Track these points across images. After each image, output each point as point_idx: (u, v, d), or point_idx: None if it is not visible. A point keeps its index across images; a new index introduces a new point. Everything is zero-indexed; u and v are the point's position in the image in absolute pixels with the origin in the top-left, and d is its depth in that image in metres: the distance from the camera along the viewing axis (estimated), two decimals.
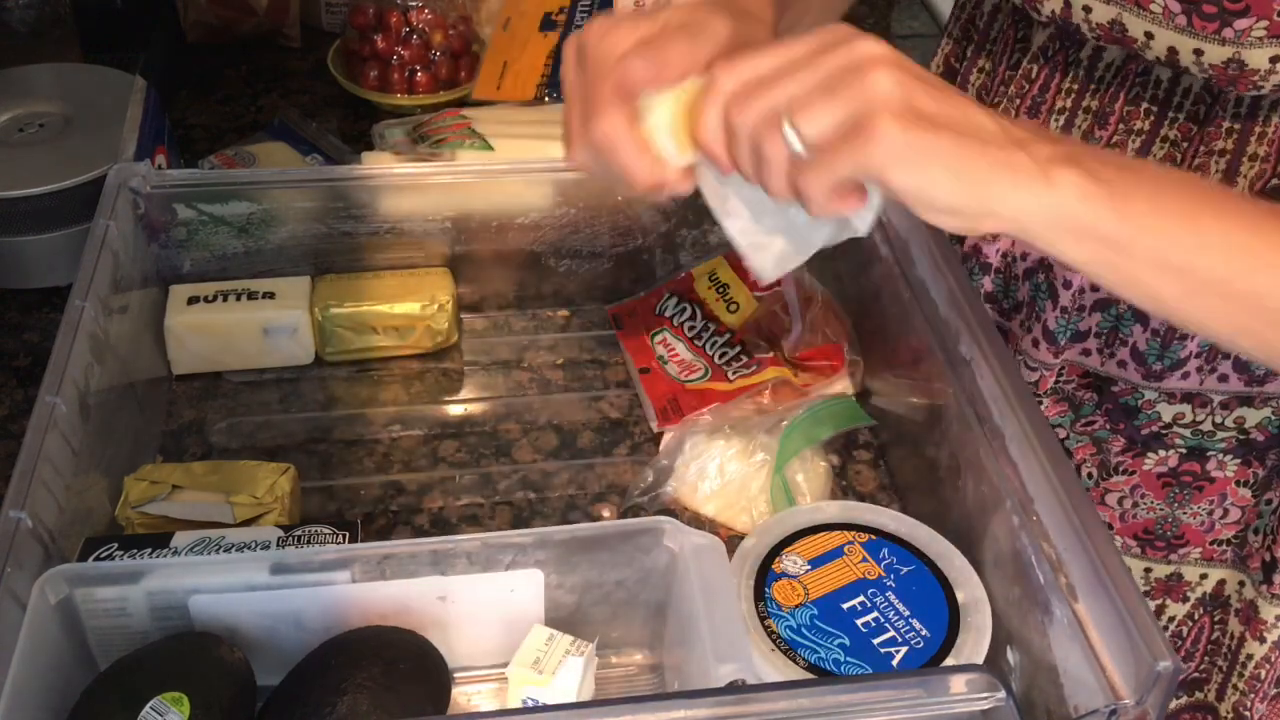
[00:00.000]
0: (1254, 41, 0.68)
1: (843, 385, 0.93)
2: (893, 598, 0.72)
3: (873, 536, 0.76)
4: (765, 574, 0.74)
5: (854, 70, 0.57)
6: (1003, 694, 0.60)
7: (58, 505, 0.70)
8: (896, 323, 0.86)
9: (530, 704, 0.68)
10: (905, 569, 0.74)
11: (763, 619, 0.71)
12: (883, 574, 0.74)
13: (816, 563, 0.75)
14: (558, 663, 0.68)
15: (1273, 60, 0.68)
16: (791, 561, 0.75)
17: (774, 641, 0.70)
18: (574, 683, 0.68)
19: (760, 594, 0.73)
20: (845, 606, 0.72)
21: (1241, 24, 0.67)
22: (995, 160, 0.56)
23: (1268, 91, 0.70)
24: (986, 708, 0.60)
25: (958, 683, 0.60)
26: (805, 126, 0.57)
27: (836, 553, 0.75)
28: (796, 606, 0.72)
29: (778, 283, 0.96)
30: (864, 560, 0.75)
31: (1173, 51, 0.71)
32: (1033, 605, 0.67)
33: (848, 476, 0.89)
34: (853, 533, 0.77)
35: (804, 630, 0.71)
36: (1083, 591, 0.63)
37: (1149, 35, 0.71)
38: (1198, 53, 0.70)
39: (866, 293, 0.92)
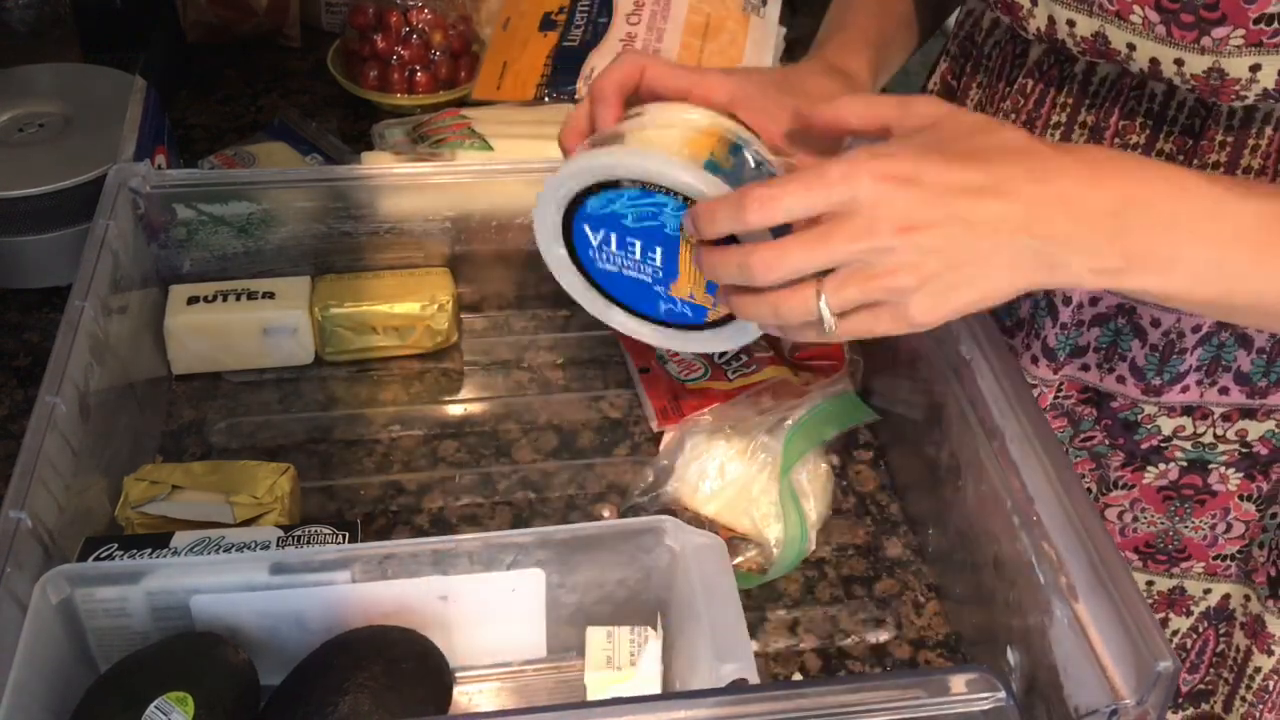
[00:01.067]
0: (1232, 50, 0.68)
1: (843, 385, 0.93)
2: None
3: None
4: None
5: (874, 250, 0.60)
6: (1003, 694, 0.60)
7: (58, 505, 0.70)
8: None
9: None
10: None
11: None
12: None
13: None
14: (628, 655, 0.68)
15: (1252, 69, 0.68)
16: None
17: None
18: (655, 669, 0.68)
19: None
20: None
21: (1219, 32, 0.67)
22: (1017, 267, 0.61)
23: (1253, 100, 0.70)
24: (986, 708, 0.60)
25: (958, 683, 0.60)
26: (835, 303, 0.61)
27: None
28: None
29: None
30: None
31: (1155, 63, 0.71)
32: (1033, 605, 0.67)
33: (848, 476, 0.89)
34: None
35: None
36: (1083, 591, 0.63)
37: (1131, 47, 0.72)
38: (1179, 63, 0.70)
39: None
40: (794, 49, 1.40)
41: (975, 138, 0.62)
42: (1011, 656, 0.70)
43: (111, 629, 0.68)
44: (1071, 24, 0.74)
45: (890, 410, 0.90)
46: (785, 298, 0.62)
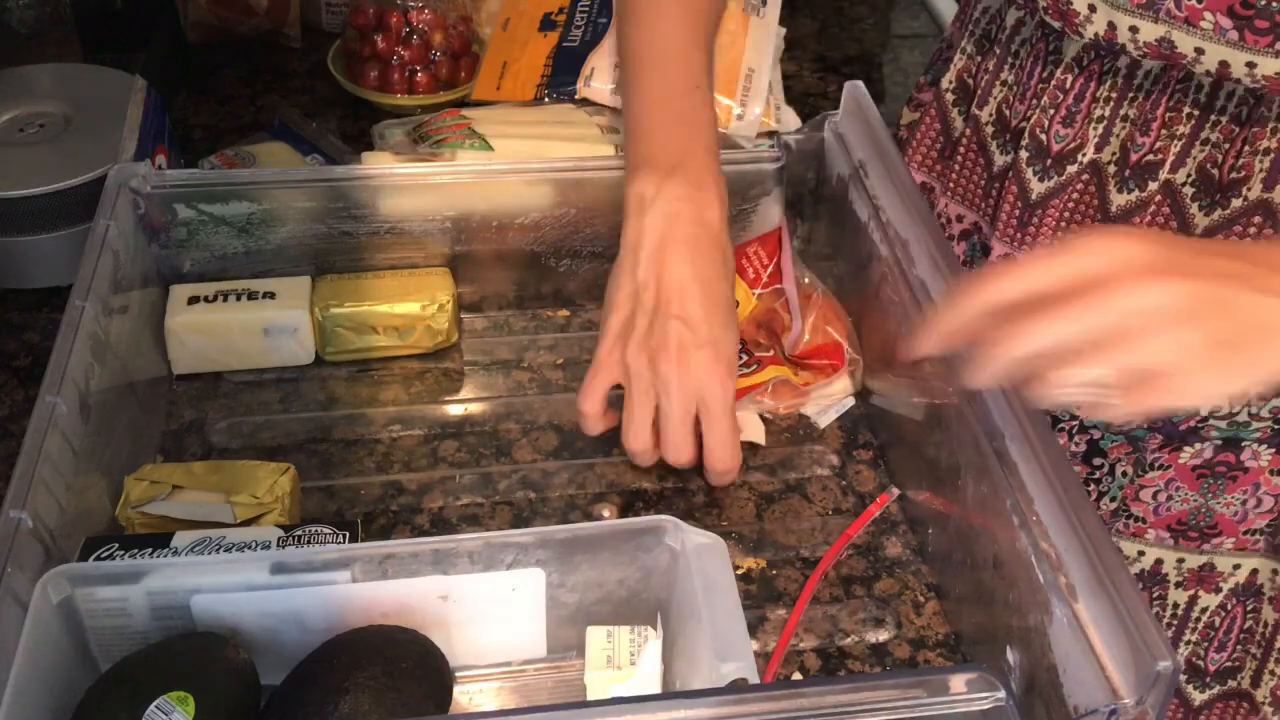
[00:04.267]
0: None
1: (843, 384, 0.94)
2: None
3: None
4: None
5: (1127, 329, 0.56)
6: (1003, 694, 0.60)
7: (58, 505, 0.70)
8: (896, 323, 0.86)
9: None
10: None
11: None
12: None
13: None
14: (628, 655, 0.68)
15: None
16: None
17: None
18: (656, 669, 0.68)
19: None
20: None
21: None
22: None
23: None
24: (986, 708, 0.60)
25: (958, 683, 0.60)
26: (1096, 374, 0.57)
27: None
28: None
29: (778, 280, 0.96)
30: None
31: (1224, 65, 0.72)
32: (1033, 605, 0.67)
33: (847, 476, 0.89)
34: None
35: None
36: (1083, 591, 0.63)
37: (1199, 51, 0.72)
38: (1250, 65, 0.71)
39: (866, 293, 0.92)
40: (793, 48, 1.40)
41: (1195, 246, 0.61)
42: (1011, 656, 0.70)
43: (112, 629, 0.68)
44: (1134, 30, 0.74)
45: (890, 410, 0.90)
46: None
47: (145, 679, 0.63)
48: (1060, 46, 0.81)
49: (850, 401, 0.94)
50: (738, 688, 0.63)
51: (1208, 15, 0.70)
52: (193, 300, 0.92)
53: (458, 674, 0.72)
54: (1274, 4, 0.68)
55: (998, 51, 0.86)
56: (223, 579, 0.68)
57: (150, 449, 0.88)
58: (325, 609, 0.69)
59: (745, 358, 0.93)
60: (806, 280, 0.95)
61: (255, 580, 0.68)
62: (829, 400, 0.93)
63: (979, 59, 0.89)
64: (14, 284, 1.02)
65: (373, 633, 0.69)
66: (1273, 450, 0.85)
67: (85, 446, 0.75)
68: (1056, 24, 0.78)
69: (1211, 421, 0.84)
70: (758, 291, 0.96)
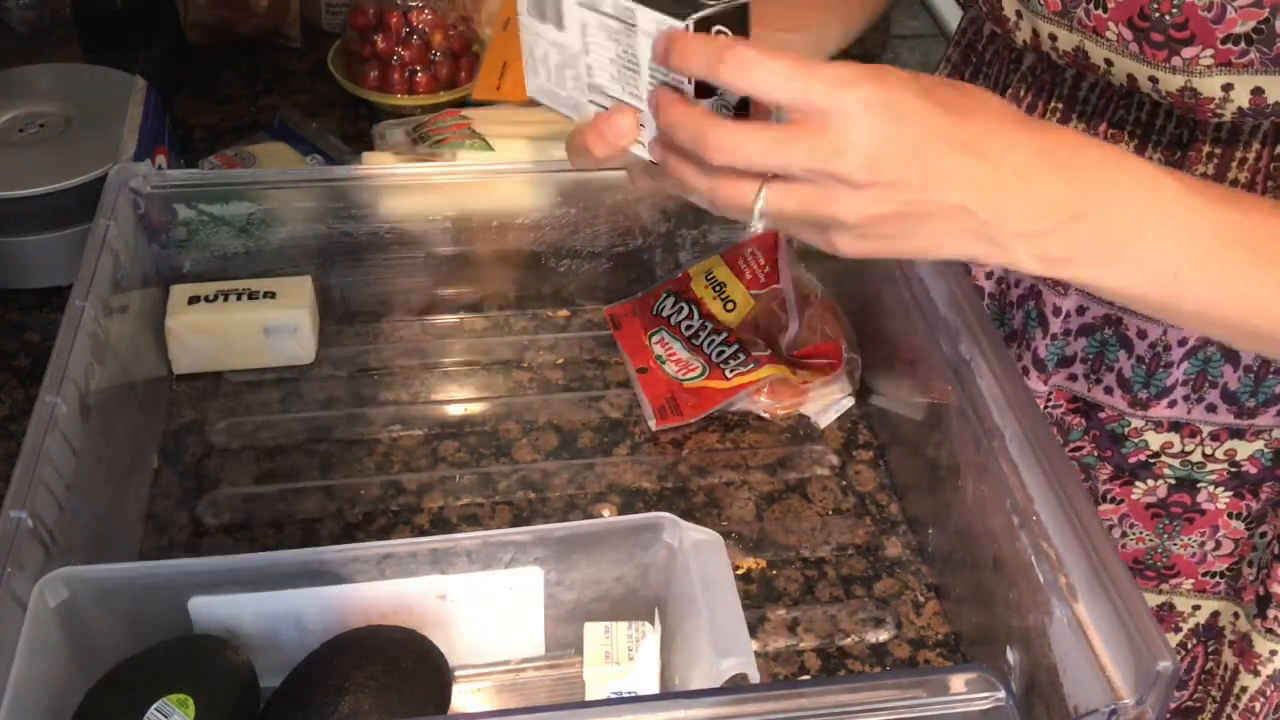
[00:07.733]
0: (1203, 70, 0.67)
1: (841, 383, 0.93)
2: None
3: None
4: None
5: (832, 177, 0.56)
6: (1003, 694, 0.60)
7: (58, 505, 0.70)
8: (896, 323, 0.86)
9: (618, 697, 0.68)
10: None
11: None
12: None
13: None
14: (626, 650, 0.69)
15: (1225, 88, 0.68)
16: None
17: None
18: (653, 664, 0.69)
19: None
20: None
21: (1188, 52, 0.67)
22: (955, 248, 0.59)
23: (1229, 119, 0.70)
24: (986, 708, 0.60)
25: (957, 683, 0.60)
26: (771, 209, 0.58)
27: None
28: None
29: (776, 280, 0.96)
30: None
31: (1132, 79, 0.71)
32: (1033, 605, 0.67)
33: (848, 476, 0.89)
34: None
35: None
36: (1083, 591, 0.63)
37: (1109, 62, 0.71)
38: (1153, 80, 0.70)
39: (867, 293, 0.92)
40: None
41: (962, 93, 0.58)
42: (1011, 656, 0.70)
43: (111, 630, 0.68)
44: (1053, 38, 0.73)
45: (890, 410, 0.90)
46: (724, 185, 0.58)
47: (144, 681, 0.63)
48: (1020, 57, 0.81)
49: (850, 402, 0.94)
50: (738, 687, 0.63)
51: (1112, 26, 0.69)
52: (193, 300, 0.92)
53: (457, 673, 0.72)
54: (1165, 17, 0.67)
55: (974, 60, 0.86)
56: (222, 580, 0.68)
57: (150, 449, 0.88)
58: (324, 609, 0.69)
59: (743, 357, 0.93)
60: (805, 280, 0.95)
61: (254, 580, 0.68)
62: (828, 400, 0.93)
63: (962, 68, 0.88)
64: (14, 284, 1.02)
65: (372, 633, 0.69)
66: (1230, 493, 0.84)
67: (85, 446, 0.74)
68: (999, 30, 0.78)
69: (1164, 458, 0.83)
70: (755, 292, 0.97)
